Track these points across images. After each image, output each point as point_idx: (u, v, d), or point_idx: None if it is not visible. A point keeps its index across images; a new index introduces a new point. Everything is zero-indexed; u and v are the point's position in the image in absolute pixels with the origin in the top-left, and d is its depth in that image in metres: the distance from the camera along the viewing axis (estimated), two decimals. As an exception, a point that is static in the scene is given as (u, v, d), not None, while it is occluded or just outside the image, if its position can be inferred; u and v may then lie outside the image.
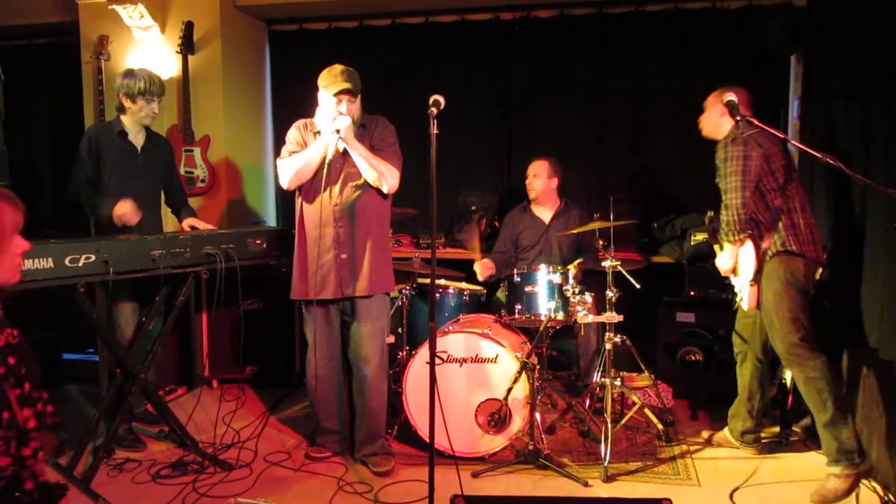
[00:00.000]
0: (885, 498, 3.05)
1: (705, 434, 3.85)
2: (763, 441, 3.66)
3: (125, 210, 3.55)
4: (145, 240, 3.18)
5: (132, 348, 3.43)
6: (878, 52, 3.32)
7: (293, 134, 3.48)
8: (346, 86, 3.27)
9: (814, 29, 4.11)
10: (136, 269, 3.09)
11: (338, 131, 3.23)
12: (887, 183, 2.85)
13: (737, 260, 3.34)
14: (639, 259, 4.54)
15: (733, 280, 3.46)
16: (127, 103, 3.71)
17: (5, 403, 1.76)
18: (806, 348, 3.19)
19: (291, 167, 3.37)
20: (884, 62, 3.28)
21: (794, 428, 3.79)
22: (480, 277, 4.32)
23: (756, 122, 3.09)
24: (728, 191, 3.20)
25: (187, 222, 3.90)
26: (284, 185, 3.41)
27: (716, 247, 3.52)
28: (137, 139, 3.79)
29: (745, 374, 3.62)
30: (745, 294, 3.35)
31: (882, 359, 3.18)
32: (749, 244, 3.25)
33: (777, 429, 3.78)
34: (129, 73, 3.72)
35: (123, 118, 3.76)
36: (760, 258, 3.27)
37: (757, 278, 3.28)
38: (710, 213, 3.61)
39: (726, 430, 3.73)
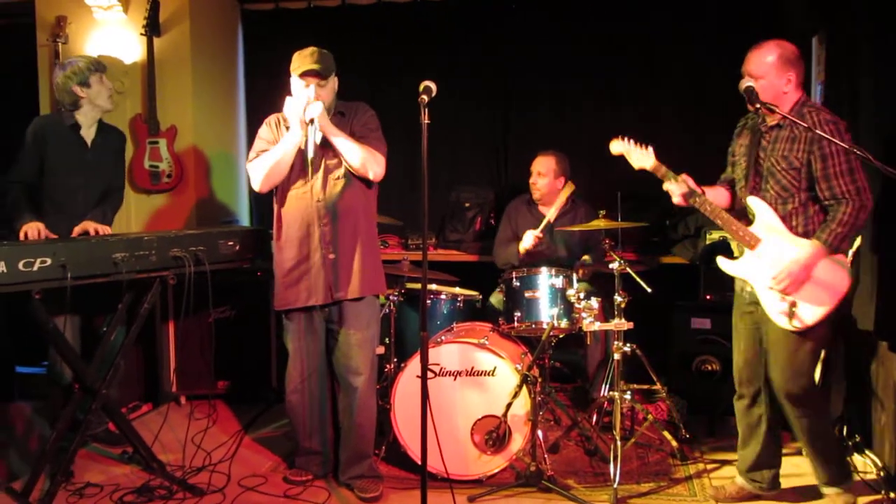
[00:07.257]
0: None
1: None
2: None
3: (32, 236, 3.47)
4: (106, 241, 3.15)
5: (92, 362, 3.39)
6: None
7: (264, 132, 3.45)
8: (314, 67, 3.23)
9: (836, 10, 4.13)
10: (96, 274, 3.05)
11: (311, 121, 3.19)
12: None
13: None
14: (648, 260, 4.55)
15: (768, 293, 3.04)
16: (82, 92, 3.70)
17: None
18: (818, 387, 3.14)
19: (261, 169, 3.34)
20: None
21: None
22: (529, 246, 4.24)
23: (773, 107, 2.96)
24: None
25: (82, 225, 3.63)
26: (256, 188, 3.39)
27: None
28: (89, 133, 3.80)
29: (755, 417, 3.25)
30: (809, 310, 2.95)
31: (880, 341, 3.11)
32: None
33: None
34: (65, 65, 3.74)
35: (77, 114, 3.75)
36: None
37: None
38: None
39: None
